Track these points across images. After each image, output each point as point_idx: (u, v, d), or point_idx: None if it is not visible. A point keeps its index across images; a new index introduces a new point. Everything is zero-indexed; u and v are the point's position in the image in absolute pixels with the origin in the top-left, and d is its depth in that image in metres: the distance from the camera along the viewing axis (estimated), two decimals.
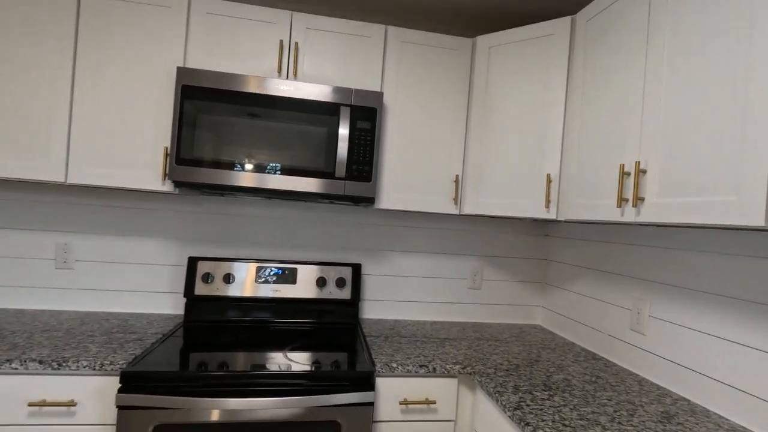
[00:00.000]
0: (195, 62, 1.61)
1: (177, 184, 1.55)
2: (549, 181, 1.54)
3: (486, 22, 2.01)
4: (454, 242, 2.12)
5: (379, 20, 2.06)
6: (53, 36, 1.52)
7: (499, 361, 1.53)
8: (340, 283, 1.90)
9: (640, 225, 1.44)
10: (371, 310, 2.06)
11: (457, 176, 1.77)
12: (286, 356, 1.45)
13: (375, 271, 2.06)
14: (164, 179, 1.58)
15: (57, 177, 1.53)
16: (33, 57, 1.51)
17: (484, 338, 1.83)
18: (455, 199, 1.78)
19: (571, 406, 1.18)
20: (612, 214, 1.25)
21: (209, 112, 1.53)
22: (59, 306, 1.82)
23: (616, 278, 1.64)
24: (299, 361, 1.42)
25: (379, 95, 1.63)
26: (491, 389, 1.28)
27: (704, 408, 1.23)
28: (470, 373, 1.45)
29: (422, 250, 2.09)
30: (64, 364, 1.27)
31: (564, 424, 1.07)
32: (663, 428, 1.09)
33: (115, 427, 1.28)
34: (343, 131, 1.59)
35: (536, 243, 2.18)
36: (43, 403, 1.24)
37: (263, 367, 1.35)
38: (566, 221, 1.53)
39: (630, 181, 1.18)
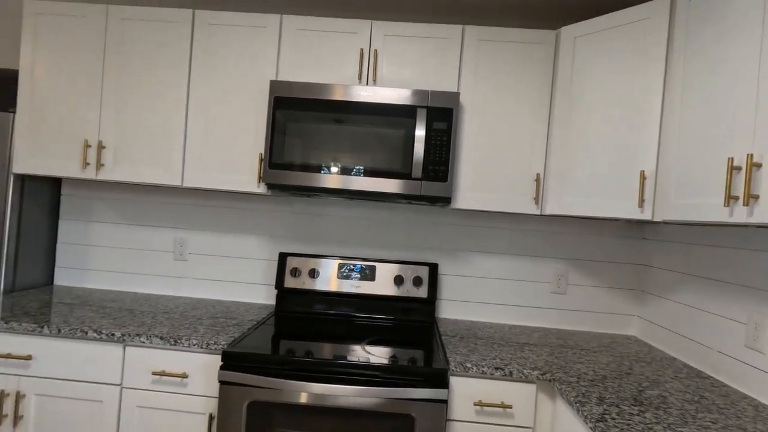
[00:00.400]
0: (285, 75, 1.76)
1: (269, 186, 1.72)
2: (643, 177, 1.41)
3: (565, 13, 1.90)
4: (537, 244, 2.03)
5: (457, 21, 2.06)
6: (172, 65, 1.78)
7: (583, 371, 1.44)
8: (417, 281, 1.94)
9: (757, 227, 1.26)
10: (448, 310, 2.06)
11: (538, 175, 1.71)
12: (365, 349, 1.53)
13: (453, 272, 2.06)
14: (259, 182, 1.75)
15: (175, 181, 1.79)
16: (157, 82, 1.79)
17: (568, 346, 1.73)
18: (536, 199, 1.71)
19: (665, 425, 1.08)
20: (718, 214, 1.11)
21: (297, 120, 1.67)
22: (176, 292, 2.12)
23: (728, 288, 1.44)
24: (377, 354, 1.48)
25: (455, 95, 1.64)
26: (572, 398, 1.21)
27: None
28: (550, 380, 1.39)
29: (502, 252, 2.04)
30: (179, 341, 1.48)
31: None
32: None
33: (217, 399, 1.46)
34: (420, 132, 1.63)
35: (632, 246, 2.00)
36: (162, 373, 1.47)
37: (344, 357, 1.43)
38: (665, 222, 1.39)
39: (740, 177, 1.04)
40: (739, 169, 1.05)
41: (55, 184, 2.14)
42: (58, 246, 2.16)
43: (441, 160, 1.63)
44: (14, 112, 1.88)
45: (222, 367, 1.40)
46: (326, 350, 1.50)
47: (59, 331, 1.50)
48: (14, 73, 2.31)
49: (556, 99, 1.70)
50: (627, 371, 1.47)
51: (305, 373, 1.39)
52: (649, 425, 1.07)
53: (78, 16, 1.81)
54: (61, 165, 1.82)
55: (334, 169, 1.66)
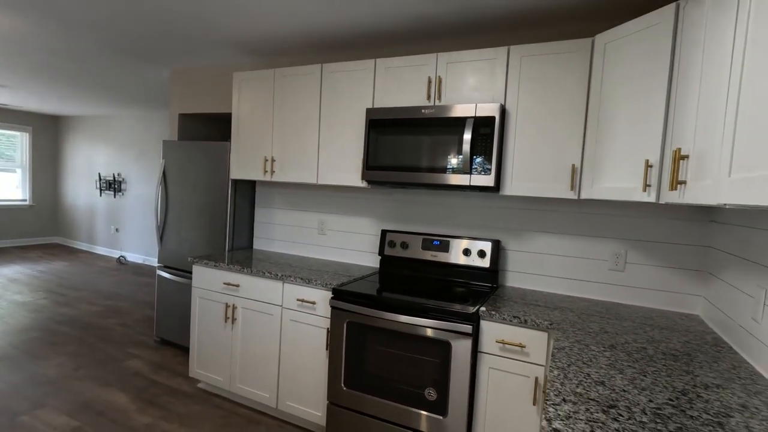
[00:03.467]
0: (378, 102, 2.46)
1: (368, 182, 2.46)
2: (648, 165, 1.63)
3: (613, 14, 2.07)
4: (595, 225, 2.26)
5: (511, 36, 2.41)
6: (309, 102, 2.68)
7: (592, 327, 1.75)
8: (481, 254, 2.42)
9: None
10: (513, 280, 2.47)
11: (573, 165, 2.00)
12: (431, 297, 2.14)
13: (517, 248, 2.45)
14: (361, 179, 2.51)
15: (313, 180, 2.70)
16: (301, 115, 2.71)
17: (606, 314, 1.99)
18: (572, 186, 2.00)
19: (611, 359, 1.39)
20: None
21: (383, 134, 2.35)
22: (317, 255, 3.08)
23: None
24: (437, 300, 2.08)
25: (497, 106, 2.07)
26: (555, 337, 1.60)
27: None
28: (555, 329, 1.75)
29: (561, 231, 2.34)
30: (311, 281, 2.36)
31: (581, 370, 1.34)
32: None
33: (329, 319, 2.29)
34: (467, 137, 2.12)
35: (696, 229, 2.05)
36: (303, 300, 2.37)
37: (414, 298, 2.08)
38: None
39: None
40: (685, 158, 1.29)
41: (252, 184, 3.35)
42: (255, 224, 3.37)
43: (485, 157, 2.10)
44: (230, 141, 3.09)
45: (332, 298, 2.22)
46: (397, 294, 2.16)
47: (252, 271, 2.55)
48: (229, 115, 3.61)
49: (591, 99, 1.95)
50: (636, 332, 1.71)
51: (379, 304, 2.09)
52: (596, 356, 1.41)
53: (259, 78, 2.87)
54: (253, 172, 2.93)
55: (405, 168, 2.28)
